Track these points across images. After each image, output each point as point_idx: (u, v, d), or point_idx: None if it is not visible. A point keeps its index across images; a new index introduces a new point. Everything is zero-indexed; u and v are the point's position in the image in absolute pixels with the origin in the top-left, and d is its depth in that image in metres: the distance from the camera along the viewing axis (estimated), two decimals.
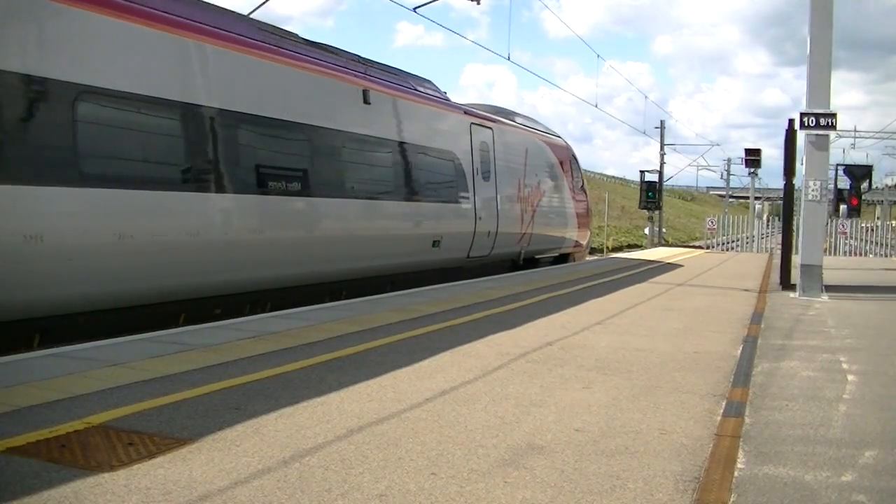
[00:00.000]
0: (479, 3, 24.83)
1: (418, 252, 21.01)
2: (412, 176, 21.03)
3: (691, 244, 62.37)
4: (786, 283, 20.51)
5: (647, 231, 60.29)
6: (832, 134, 19.44)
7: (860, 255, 50.91)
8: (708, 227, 57.54)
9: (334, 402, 7.49)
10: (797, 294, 18.80)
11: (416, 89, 22.42)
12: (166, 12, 13.73)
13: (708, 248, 51.98)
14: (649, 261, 31.51)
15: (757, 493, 5.41)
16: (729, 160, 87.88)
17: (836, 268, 28.26)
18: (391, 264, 19.95)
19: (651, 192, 51.13)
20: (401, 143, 20.43)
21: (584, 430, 6.80)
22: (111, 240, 12.24)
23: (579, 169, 35.67)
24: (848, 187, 38.06)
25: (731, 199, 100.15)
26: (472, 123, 24.51)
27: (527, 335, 11.70)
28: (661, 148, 66.47)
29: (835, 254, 47.82)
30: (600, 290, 18.44)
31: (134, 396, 7.46)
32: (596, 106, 43.80)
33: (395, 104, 20.48)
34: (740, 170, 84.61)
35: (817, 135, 18.66)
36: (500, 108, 29.64)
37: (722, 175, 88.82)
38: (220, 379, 8.26)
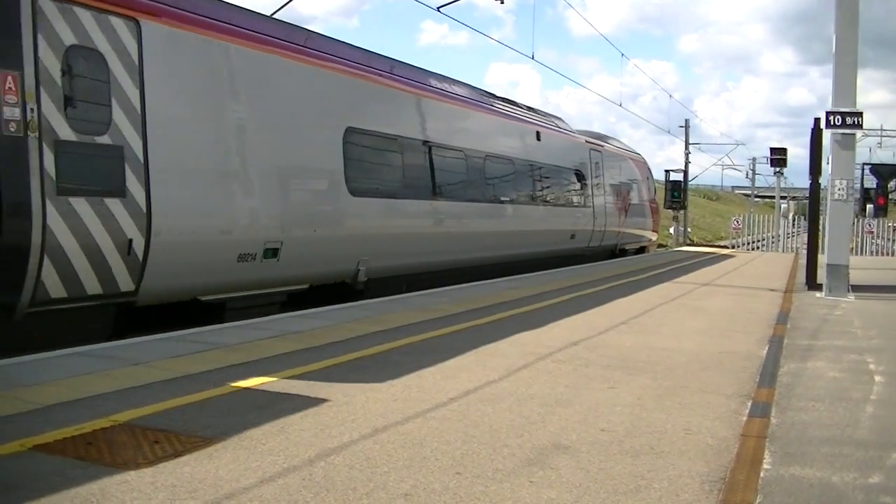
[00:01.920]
0: (502, 3, 24.77)
1: (564, 242, 29.63)
2: (562, 189, 30.02)
3: (716, 244, 62.10)
4: (812, 283, 20.38)
5: (671, 231, 60.15)
6: (858, 133, 19.37)
7: (887, 254, 50.63)
8: (733, 226, 57.36)
9: (359, 401, 7.49)
10: (823, 294, 18.70)
11: (557, 126, 31.20)
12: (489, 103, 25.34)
13: (733, 247, 51.80)
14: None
15: (783, 494, 5.38)
16: (754, 159, 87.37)
17: (863, 267, 28.09)
18: (551, 250, 28.28)
19: (676, 192, 51.07)
20: (556, 167, 29.05)
21: (610, 430, 6.78)
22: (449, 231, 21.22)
23: (652, 179, 44.40)
24: (874, 186, 37.85)
25: (756, 199, 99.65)
26: (590, 148, 32.97)
27: (551, 335, 11.68)
28: (686, 147, 66.21)
29: (861, 253, 47.65)
30: (624, 290, 18.40)
31: (159, 395, 7.49)
32: (620, 105, 43.72)
33: (552, 138, 29.00)
34: (766, 169, 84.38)
35: (843, 134, 18.54)
36: (598, 133, 38.02)
37: (747, 174, 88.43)
38: (244, 378, 8.28)
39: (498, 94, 27.42)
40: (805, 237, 30.12)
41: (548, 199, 28.42)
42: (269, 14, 17.69)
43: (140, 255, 12.09)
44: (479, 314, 13.57)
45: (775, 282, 22.27)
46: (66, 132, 11.03)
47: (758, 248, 55.82)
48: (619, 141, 39.96)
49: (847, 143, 18.72)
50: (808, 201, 25.50)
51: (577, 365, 9.52)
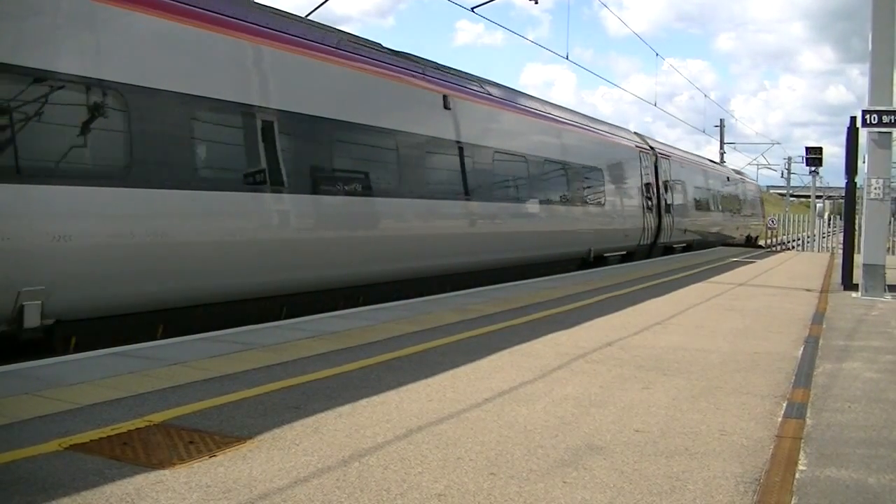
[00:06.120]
0: (536, 3, 24.74)
1: (733, 233, 50.01)
2: (737, 204, 52.52)
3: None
4: (848, 283, 20.22)
5: None
6: (895, 132, 19.15)
7: None
8: (768, 225, 57.03)
9: (393, 401, 7.53)
10: (859, 294, 18.56)
11: (729, 169, 55.93)
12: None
13: (768, 247, 51.57)
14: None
15: (819, 495, 5.35)
16: (789, 159, 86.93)
17: None
18: (729, 237, 48.84)
19: None
20: (734, 194, 51.73)
21: (644, 430, 6.78)
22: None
23: (761, 195, 66.76)
24: None
25: (791, 198, 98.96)
26: (744, 180, 57.64)
27: (586, 335, 11.67)
28: (721, 147, 66.06)
29: None
30: (659, 290, 18.34)
31: (194, 395, 7.54)
32: (655, 105, 43.70)
33: (733, 178, 52.85)
34: (801, 168, 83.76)
35: (880, 132, 18.38)
36: (738, 169, 64.23)
37: (782, 174, 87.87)
38: (280, 378, 8.32)
39: (712, 159, 55.08)
40: (841, 237, 29.97)
41: (732, 209, 50.28)
42: (303, 15, 17.74)
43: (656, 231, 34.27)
44: (515, 314, 13.58)
45: (811, 282, 22.13)
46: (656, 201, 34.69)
47: (793, 247, 55.49)
48: (745, 173, 65.43)
49: (884, 142, 18.56)
50: (844, 201, 25.27)
51: (612, 365, 9.51)
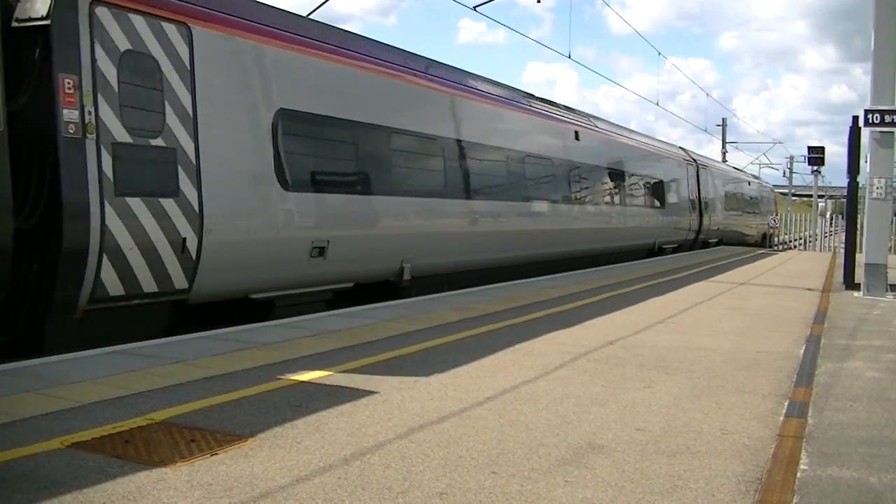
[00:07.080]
0: (539, 1, 24.75)
1: (757, 230, 55.08)
2: (761, 208, 58.37)
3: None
4: (850, 283, 20.20)
5: None
6: None
7: None
8: (770, 224, 57.03)
9: (395, 400, 7.52)
10: (861, 293, 18.54)
11: (757, 180, 62.23)
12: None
13: (770, 246, 51.59)
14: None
15: (820, 494, 5.35)
16: (791, 158, 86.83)
17: None
18: (753, 236, 52.84)
19: None
20: (756, 197, 57.55)
21: (646, 429, 6.77)
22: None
23: (774, 197, 71.33)
24: None
25: (793, 198, 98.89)
26: (761, 184, 62.31)
27: (587, 334, 11.66)
28: (723, 146, 66.01)
29: None
30: (660, 290, 18.33)
31: (196, 393, 7.54)
32: (657, 104, 43.95)
33: (762, 189, 61.60)
34: (803, 168, 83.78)
35: (882, 132, 18.34)
36: (756, 175, 69.52)
37: (784, 173, 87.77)
38: (282, 376, 8.31)
39: (736, 166, 63.52)
40: (843, 236, 29.96)
41: (752, 210, 54.82)
42: (305, 15, 17.67)
43: (698, 228, 40.33)
44: (516, 313, 13.57)
45: (813, 281, 22.11)
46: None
47: (795, 247, 55.60)
48: (760, 177, 70.52)
49: (886, 142, 18.53)
50: (846, 200, 25.26)
51: (614, 364, 9.50)
